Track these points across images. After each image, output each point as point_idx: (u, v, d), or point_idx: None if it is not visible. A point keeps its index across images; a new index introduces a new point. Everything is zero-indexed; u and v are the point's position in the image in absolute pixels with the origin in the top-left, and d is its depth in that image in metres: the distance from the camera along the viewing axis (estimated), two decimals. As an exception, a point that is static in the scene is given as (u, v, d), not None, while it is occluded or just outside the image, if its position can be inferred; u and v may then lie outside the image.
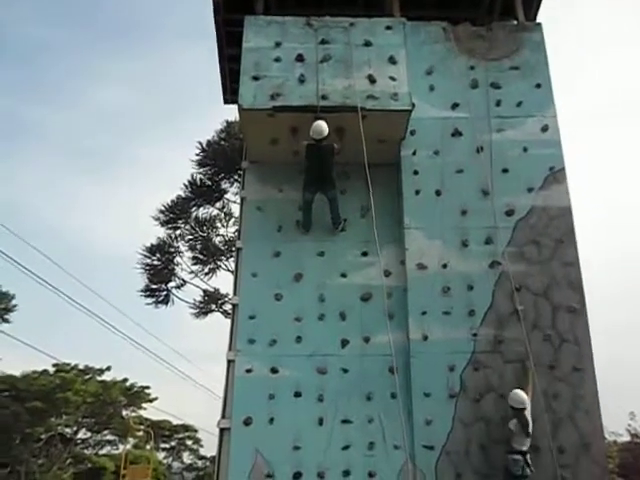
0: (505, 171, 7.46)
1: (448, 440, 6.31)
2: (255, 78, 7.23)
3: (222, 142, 14.50)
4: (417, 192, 7.35)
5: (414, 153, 7.53)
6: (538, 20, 8.83)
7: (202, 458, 25.78)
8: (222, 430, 6.57)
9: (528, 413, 6.03)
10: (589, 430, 6.35)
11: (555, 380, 6.51)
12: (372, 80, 7.23)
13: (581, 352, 6.65)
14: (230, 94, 10.39)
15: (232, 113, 14.74)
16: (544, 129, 7.67)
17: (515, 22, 8.53)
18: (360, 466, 6.30)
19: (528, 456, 5.92)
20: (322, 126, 6.82)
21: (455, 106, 7.78)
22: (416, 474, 6.15)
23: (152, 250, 14.59)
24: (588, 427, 6.35)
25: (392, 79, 7.26)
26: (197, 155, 14.47)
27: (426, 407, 6.43)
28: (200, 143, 14.48)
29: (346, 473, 6.27)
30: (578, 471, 6.17)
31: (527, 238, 7.15)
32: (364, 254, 7.28)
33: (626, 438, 18.62)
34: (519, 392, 6.12)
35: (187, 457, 26.74)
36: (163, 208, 14.62)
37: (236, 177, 14.28)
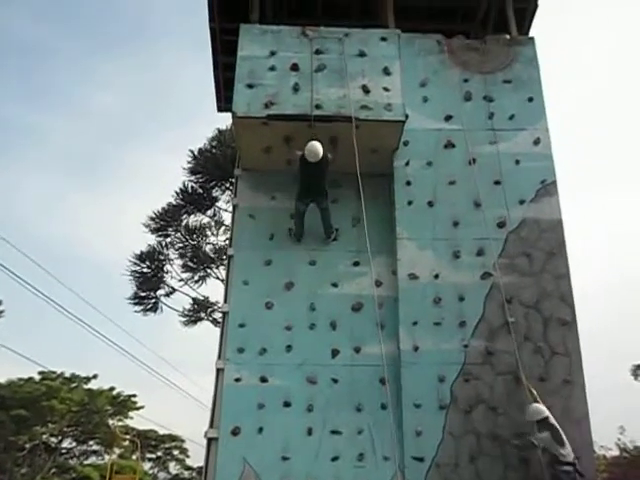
0: (497, 183, 7.49)
1: (438, 452, 6.27)
2: (249, 86, 7.24)
3: (214, 150, 14.48)
4: (409, 202, 7.37)
5: (407, 164, 7.55)
6: (532, 34, 8.94)
7: (189, 469, 25.48)
8: (210, 440, 6.49)
9: (553, 421, 5.98)
10: (579, 443, 6.32)
11: (545, 392, 6.49)
12: (366, 90, 7.26)
13: (571, 364, 6.66)
14: (224, 102, 10.41)
15: (224, 121, 14.78)
16: (536, 142, 7.73)
17: (508, 36, 8.62)
18: (349, 477, 6.24)
19: (577, 466, 5.85)
20: (317, 148, 6.67)
21: (448, 118, 7.82)
22: (406, 486, 6.09)
23: (142, 257, 14.49)
24: (578, 440, 6.33)
25: (386, 90, 7.30)
26: (189, 163, 14.44)
27: (416, 418, 6.39)
28: (192, 151, 14.47)
29: (335, 484, 6.20)
30: (568, 484, 6.13)
31: (518, 250, 7.17)
32: (355, 264, 7.27)
33: (615, 452, 18.64)
34: (534, 405, 6.08)
35: (174, 467, 26.44)
36: (154, 215, 14.56)
37: (227, 185, 14.26)
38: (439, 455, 6.25)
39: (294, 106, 7.12)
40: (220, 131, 14.79)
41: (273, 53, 7.49)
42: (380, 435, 6.37)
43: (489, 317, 6.84)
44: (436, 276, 7.01)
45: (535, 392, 6.31)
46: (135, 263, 14.38)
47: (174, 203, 14.65)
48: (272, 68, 7.38)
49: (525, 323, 6.82)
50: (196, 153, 14.49)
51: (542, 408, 6.05)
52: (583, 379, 6.61)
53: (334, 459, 6.31)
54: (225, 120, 14.25)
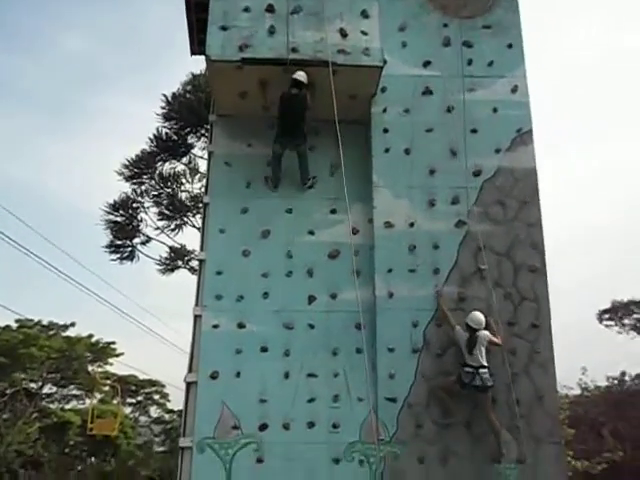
0: (474, 131, 7.49)
1: (410, 393, 6.52)
2: (223, 28, 6.99)
3: (188, 95, 14.09)
4: (386, 150, 7.34)
5: (384, 111, 7.48)
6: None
7: (170, 412, 26.03)
8: (189, 384, 6.64)
9: (482, 338, 6.31)
10: (543, 383, 6.64)
11: (514, 336, 6.75)
12: (344, 34, 7.08)
13: (540, 310, 6.89)
14: (197, 45, 10.04)
15: (199, 65, 14.32)
16: (514, 90, 7.69)
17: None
18: (325, 418, 6.48)
19: (482, 370, 6.20)
20: (303, 74, 6.79)
21: (427, 64, 7.71)
22: (378, 425, 6.36)
23: (115, 206, 14.29)
24: (543, 380, 6.65)
25: (364, 34, 7.12)
26: (162, 108, 14.05)
27: (390, 361, 6.60)
28: (165, 96, 14.06)
29: (311, 424, 6.44)
30: (532, 421, 6.48)
31: (493, 198, 7.26)
32: (332, 212, 7.29)
33: (577, 392, 19.63)
34: (479, 314, 6.40)
35: (154, 411, 27.00)
36: (127, 163, 14.26)
37: (203, 132, 13.97)
38: (411, 396, 6.51)
39: (270, 49, 6.92)
40: (194, 75, 14.36)
41: (247, -7, 7.20)
42: (355, 378, 6.59)
43: (462, 264, 6.99)
44: (411, 224, 7.09)
45: (501, 329, 6.57)
46: (109, 212, 14.19)
47: (148, 150, 14.34)
48: (246, 9, 7.11)
49: (497, 270, 6.98)
50: (170, 98, 14.09)
51: (481, 320, 6.35)
52: (550, 324, 6.86)
53: (310, 401, 6.53)
54: (200, 64, 13.79)
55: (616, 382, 20.47)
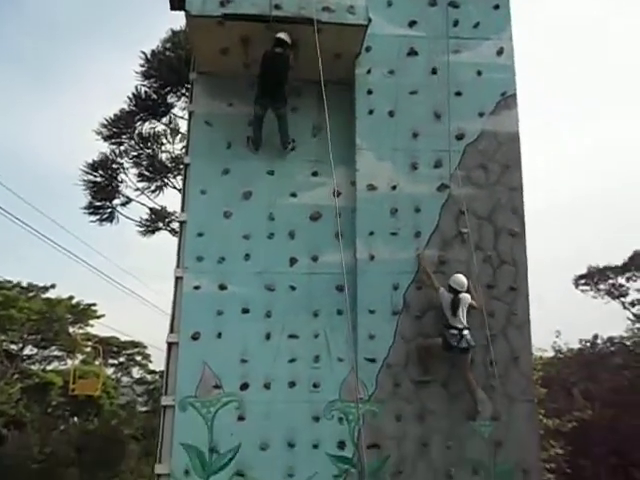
0: (458, 94, 7.43)
1: (389, 353, 6.64)
2: (204, -19, 6.74)
3: (168, 52, 13.66)
4: (370, 112, 7.26)
5: (369, 72, 7.37)
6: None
7: (152, 372, 26.22)
8: (170, 344, 6.67)
9: (464, 301, 6.44)
10: (519, 344, 6.81)
11: (492, 299, 6.88)
12: (328, -10, 6.88)
13: (517, 273, 7.00)
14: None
15: (179, 21, 13.87)
16: (499, 52, 7.62)
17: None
18: (305, 378, 6.58)
19: (465, 332, 6.34)
20: (285, 35, 6.68)
21: (412, 24, 7.57)
22: (358, 384, 6.49)
23: (94, 166, 13.98)
24: (518, 342, 6.81)
25: (349, -10, 6.93)
26: (141, 66, 13.63)
27: (370, 323, 6.69)
28: (144, 53, 13.62)
29: (292, 384, 6.54)
30: (507, 381, 6.67)
31: (475, 162, 7.27)
32: (314, 174, 7.24)
33: (551, 354, 20.19)
34: (461, 276, 6.51)
35: (137, 372, 27.18)
36: (106, 122, 13.88)
37: (183, 91, 13.60)
38: (390, 356, 6.63)
39: (252, 5, 6.70)
40: (174, 32, 13.87)
41: (229, -56, 6.93)
42: (335, 339, 6.68)
43: (443, 228, 7.04)
44: (394, 187, 7.08)
45: (480, 294, 6.68)
46: (87, 172, 13.89)
47: (127, 109, 13.95)
48: (228, -38, 6.85)
49: (477, 234, 7.06)
50: (149, 56, 13.65)
51: (464, 282, 6.47)
52: (527, 287, 7.00)
53: (291, 361, 6.61)
54: (180, 20, 13.35)
55: (588, 345, 21.08)
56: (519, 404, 6.65)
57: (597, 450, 16.78)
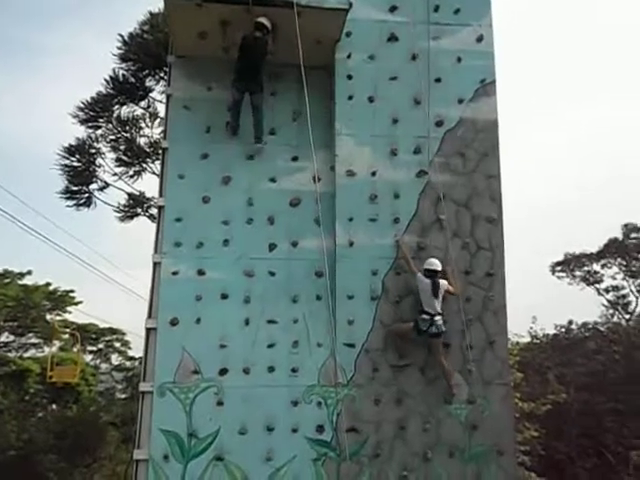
0: (438, 81, 7.44)
1: (368, 338, 6.69)
2: (182, -38, 6.62)
3: (145, 35, 13.41)
4: (350, 97, 7.24)
5: (349, 57, 7.33)
6: None
7: (131, 359, 26.06)
8: (148, 330, 6.63)
9: (441, 287, 6.53)
10: (495, 329, 6.92)
11: (469, 284, 6.96)
12: (308, -26, 6.80)
13: (494, 259, 7.09)
14: (154, -20, 9.52)
15: (158, 3, 13.59)
16: (479, 39, 7.63)
17: None
18: (284, 363, 6.60)
19: (437, 318, 6.42)
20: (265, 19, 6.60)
21: (393, 9, 7.53)
22: (337, 369, 6.54)
23: (71, 150, 13.72)
24: (495, 326, 6.92)
25: (329, -26, 6.87)
26: (119, 49, 13.36)
27: (349, 308, 6.73)
28: (121, 36, 13.34)
29: (271, 369, 6.56)
30: (483, 365, 6.79)
31: (454, 149, 7.30)
32: (294, 159, 7.21)
33: (527, 339, 20.56)
34: (434, 259, 6.63)
35: (116, 359, 26.98)
36: (82, 105, 13.61)
37: (162, 75, 13.39)
38: (369, 341, 6.69)
39: (231, -13, 6.62)
40: (152, 14, 13.61)
41: None
42: (314, 324, 6.71)
43: (422, 214, 7.08)
44: (373, 173, 7.09)
45: (456, 279, 6.77)
46: (64, 156, 13.63)
47: (104, 92, 13.69)
48: (207, -58, 6.73)
49: (455, 220, 7.12)
50: (126, 38, 13.39)
51: (437, 262, 6.59)
52: (504, 272, 7.09)
53: (270, 346, 6.63)
54: (158, 1, 13.09)
55: (563, 330, 21.51)
56: (495, 387, 6.77)
57: (570, 432, 17.20)
